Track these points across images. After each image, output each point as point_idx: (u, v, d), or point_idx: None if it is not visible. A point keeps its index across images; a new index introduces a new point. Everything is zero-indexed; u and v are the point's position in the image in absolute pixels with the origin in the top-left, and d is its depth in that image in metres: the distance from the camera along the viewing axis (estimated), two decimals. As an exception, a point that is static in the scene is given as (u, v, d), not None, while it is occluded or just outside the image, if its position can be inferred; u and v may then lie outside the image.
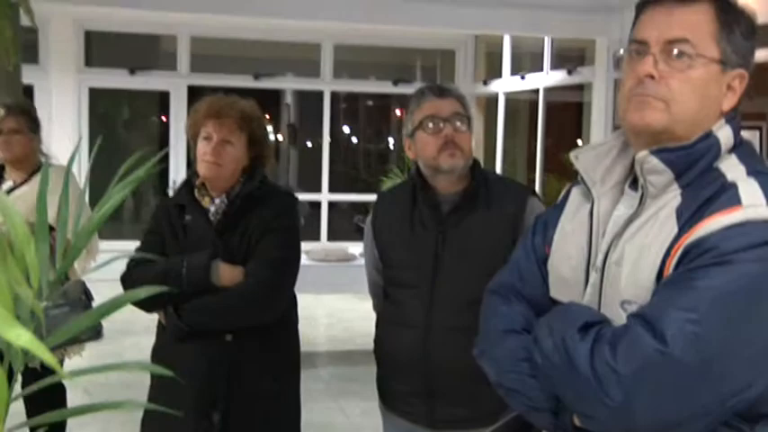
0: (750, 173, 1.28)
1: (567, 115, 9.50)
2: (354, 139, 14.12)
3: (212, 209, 2.52)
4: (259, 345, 2.46)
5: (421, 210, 2.27)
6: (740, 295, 1.18)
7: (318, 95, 9.87)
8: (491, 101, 9.80)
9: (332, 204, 9.97)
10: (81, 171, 8.93)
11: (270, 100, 12.84)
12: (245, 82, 9.44)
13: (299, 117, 12.71)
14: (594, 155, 1.42)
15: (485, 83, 9.73)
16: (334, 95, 10.21)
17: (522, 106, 9.62)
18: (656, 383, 1.19)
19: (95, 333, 3.40)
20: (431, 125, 2.22)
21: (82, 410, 1.09)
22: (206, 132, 2.49)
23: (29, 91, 8.66)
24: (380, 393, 2.42)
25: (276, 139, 13.79)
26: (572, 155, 1.44)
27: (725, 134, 1.33)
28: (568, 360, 1.26)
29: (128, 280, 2.46)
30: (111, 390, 4.81)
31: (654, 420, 1.20)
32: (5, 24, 3.94)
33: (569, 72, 8.34)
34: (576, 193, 1.46)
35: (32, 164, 3.53)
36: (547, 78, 8.67)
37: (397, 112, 12.30)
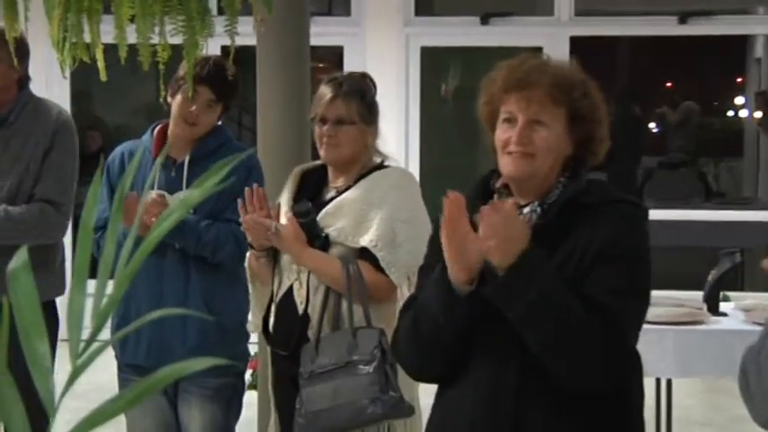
0: None
1: None
2: None
3: None
4: None
5: None
6: None
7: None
8: None
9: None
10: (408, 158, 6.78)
11: (728, 53, 9.21)
12: (666, 28, 6.79)
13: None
14: None
15: None
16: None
17: None
18: None
19: None
20: None
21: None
22: (507, 112, 2.17)
23: (338, 55, 7.03)
24: None
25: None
26: None
27: None
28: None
29: None
30: None
31: None
32: None
33: None
34: None
35: (362, 165, 3.27)
36: None
37: None
